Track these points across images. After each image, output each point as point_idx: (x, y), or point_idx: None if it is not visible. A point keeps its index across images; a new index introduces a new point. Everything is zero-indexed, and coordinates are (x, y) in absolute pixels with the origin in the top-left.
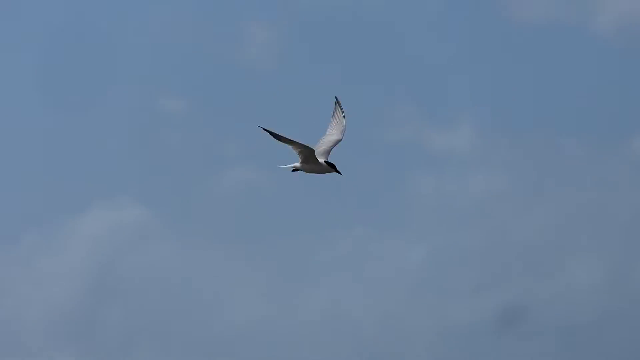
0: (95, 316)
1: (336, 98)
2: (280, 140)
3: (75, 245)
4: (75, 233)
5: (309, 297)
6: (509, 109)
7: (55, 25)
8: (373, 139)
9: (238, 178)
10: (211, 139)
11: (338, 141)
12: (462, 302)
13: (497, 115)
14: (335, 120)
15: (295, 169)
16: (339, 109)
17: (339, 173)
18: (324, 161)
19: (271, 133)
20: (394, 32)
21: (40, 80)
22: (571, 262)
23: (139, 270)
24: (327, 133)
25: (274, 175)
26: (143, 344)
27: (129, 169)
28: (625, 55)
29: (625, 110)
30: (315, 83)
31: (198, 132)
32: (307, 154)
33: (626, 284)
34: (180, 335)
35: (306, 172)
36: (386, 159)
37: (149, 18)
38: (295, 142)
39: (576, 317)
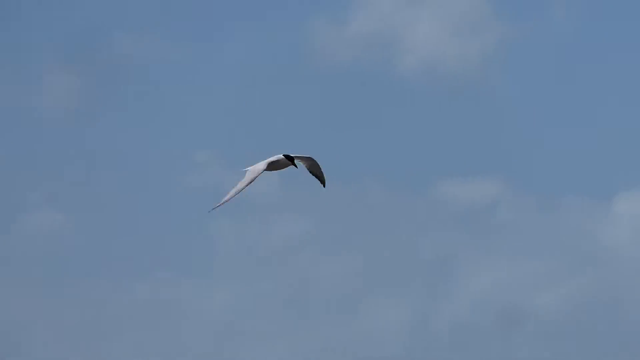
0: None
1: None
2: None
3: None
4: None
5: (110, 342)
6: (313, 152)
7: None
8: (171, 183)
9: (39, 223)
10: (12, 185)
11: (309, 160)
12: (267, 347)
13: None
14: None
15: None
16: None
17: (295, 166)
18: (283, 155)
19: (232, 195)
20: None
21: None
22: (376, 304)
23: None
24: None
25: (75, 220)
26: None
27: None
28: (431, 98)
29: (430, 154)
30: (113, 130)
31: None
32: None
33: (428, 324)
34: None
35: (269, 170)
36: (186, 204)
37: None
38: (259, 168)
39: (380, 358)
